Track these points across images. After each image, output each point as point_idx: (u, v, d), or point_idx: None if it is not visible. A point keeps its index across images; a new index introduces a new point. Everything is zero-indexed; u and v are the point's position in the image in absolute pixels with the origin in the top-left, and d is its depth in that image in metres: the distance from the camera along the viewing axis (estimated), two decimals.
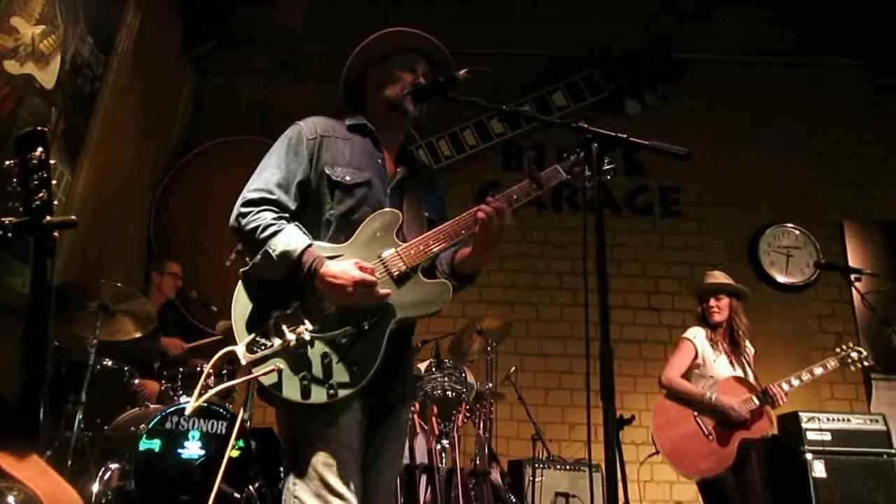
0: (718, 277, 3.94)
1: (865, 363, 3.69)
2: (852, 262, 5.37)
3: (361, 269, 1.73)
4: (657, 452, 3.68)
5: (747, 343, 3.84)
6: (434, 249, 1.84)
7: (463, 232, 1.87)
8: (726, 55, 5.90)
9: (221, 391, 3.63)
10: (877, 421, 4.18)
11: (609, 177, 1.99)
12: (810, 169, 5.75)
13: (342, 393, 1.68)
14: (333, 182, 1.86)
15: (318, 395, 1.68)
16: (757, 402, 3.58)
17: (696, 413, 3.65)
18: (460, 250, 1.97)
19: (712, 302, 3.86)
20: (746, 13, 5.85)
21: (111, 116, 4.51)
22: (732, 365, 3.75)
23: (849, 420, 4.14)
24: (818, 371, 3.63)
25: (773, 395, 3.55)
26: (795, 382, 3.61)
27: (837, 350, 3.74)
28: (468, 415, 3.68)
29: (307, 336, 1.70)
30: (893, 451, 4.07)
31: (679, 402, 3.70)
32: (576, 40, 5.84)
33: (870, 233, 5.58)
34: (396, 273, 1.80)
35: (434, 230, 1.87)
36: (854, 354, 3.69)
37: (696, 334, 3.84)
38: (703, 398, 3.62)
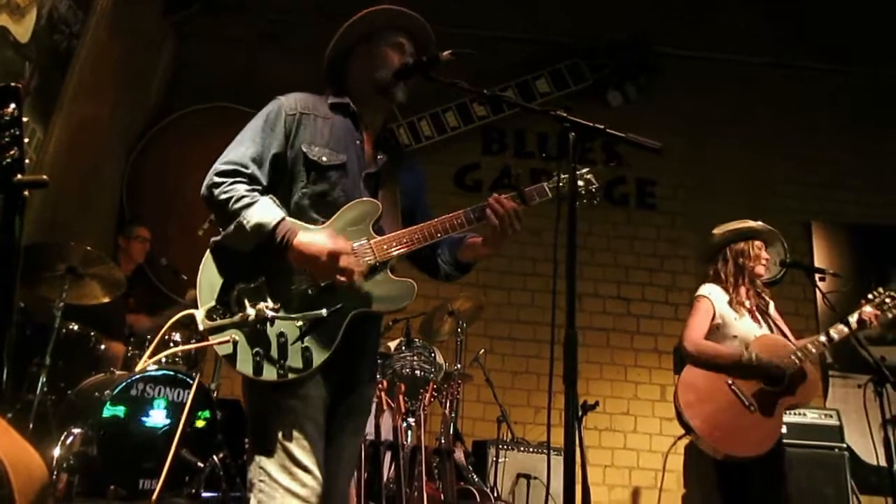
0: (759, 224, 3.35)
1: None
2: (818, 262, 5.50)
3: (335, 239, 1.73)
4: (686, 433, 3.16)
5: (766, 294, 3.35)
6: (404, 250, 1.84)
7: (439, 234, 1.87)
8: (709, 52, 5.95)
9: (177, 354, 3.63)
10: (830, 416, 4.31)
11: (595, 200, 2.02)
12: (784, 169, 5.85)
13: (291, 375, 1.69)
14: (310, 161, 1.84)
15: (269, 373, 1.68)
16: (798, 360, 3.07)
17: (730, 381, 3.08)
18: (465, 241, 1.98)
19: (764, 252, 3.28)
20: (732, 13, 5.90)
21: (87, 76, 4.41)
22: (758, 322, 3.23)
23: (804, 414, 4.24)
24: (853, 319, 3.15)
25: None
26: (834, 335, 3.13)
27: (870, 296, 3.23)
28: (435, 394, 3.71)
29: (267, 313, 1.68)
30: (845, 445, 4.20)
31: (708, 369, 3.11)
32: (562, 28, 5.84)
33: (836, 234, 5.71)
34: (364, 267, 1.79)
35: (411, 228, 1.87)
36: (888, 300, 3.20)
37: (712, 291, 3.25)
38: (742, 358, 3.04)
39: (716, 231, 3.39)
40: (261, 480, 1.66)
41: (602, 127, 1.64)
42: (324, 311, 1.71)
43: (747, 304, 3.24)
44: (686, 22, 5.83)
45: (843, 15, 5.73)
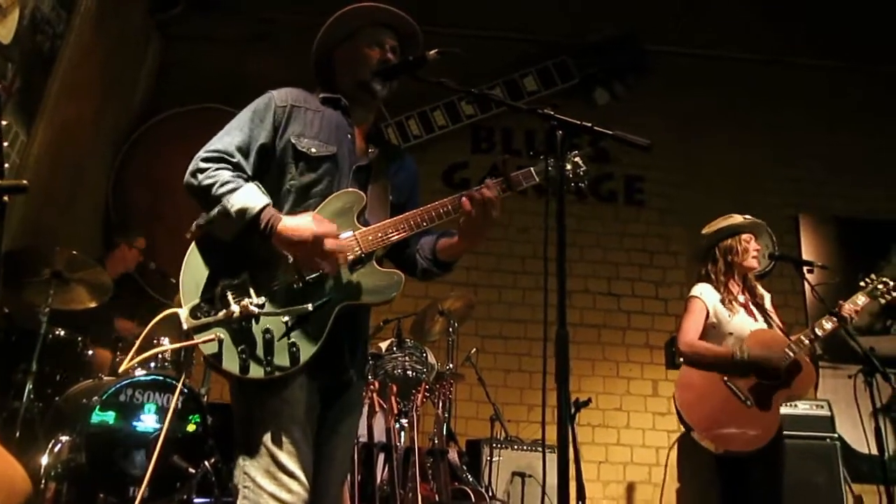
0: (743, 217, 3.37)
1: (895, 293, 3.29)
2: (806, 254, 5.52)
3: (320, 222, 1.70)
4: (688, 432, 3.16)
5: (760, 287, 3.37)
6: (392, 238, 1.81)
7: (425, 223, 1.85)
8: (698, 49, 5.96)
9: (167, 359, 3.59)
10: (822, 407, 4.34)
11: (583, 184, 2.02)
12: (772, 163, 5.88)
13: (278, 373, 1.66)
14: (298, 152, 1.83)
15: (256, 371, 1.66)
16: (791, 353, 3.07)
17: (725, 377, 3.10)
18: (444, 237, 1.95)
19: (753, 244, 3.29)
20: (719, 9, 5.92)
21: (71, 77, 4.35)
22: (753, 317, 3.23)
23: (796, 405, 4.26)
24: (848, 307, 3.20)
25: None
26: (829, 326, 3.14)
27: (862, 284, 3.28)
28: (428, 394, 3.70)
29: (252, 310, 1.66)
30: (836, 435, 4.24)
31: (704, 368, 3.13)
32: (550, 27, 5.83)
33: (824, 227, 5.75)
34: (351, 257, 1.77)
35: (396, 218, 1.84)
36: (881, 286, 3.25)
37: (703, 290, 3.26)
38: (734, 356, 3.05)
39: (705, 231, 3.42)
40: (245, 486, 1.64)
41: (589, 125, 1.63)
42: (309, 306, 1.69)
43: (741, 299, 3.25)
44: (673, 19, 5.84)
45: (833, 12, 5.77)
